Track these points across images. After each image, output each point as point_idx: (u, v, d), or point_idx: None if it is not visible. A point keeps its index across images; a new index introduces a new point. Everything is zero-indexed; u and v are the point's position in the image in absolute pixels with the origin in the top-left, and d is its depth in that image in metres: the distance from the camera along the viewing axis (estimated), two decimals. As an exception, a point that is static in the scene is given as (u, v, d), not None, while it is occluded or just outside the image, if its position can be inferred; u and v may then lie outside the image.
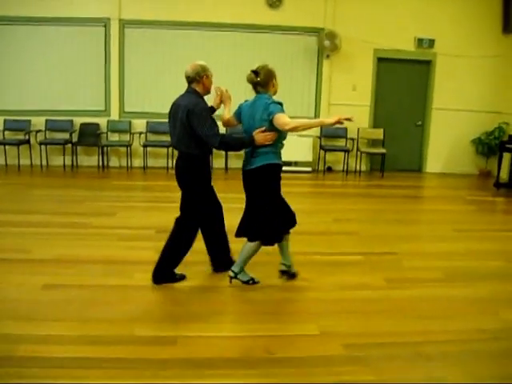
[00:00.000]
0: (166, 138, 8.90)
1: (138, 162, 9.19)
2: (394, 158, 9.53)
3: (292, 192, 7.79)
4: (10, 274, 4.28)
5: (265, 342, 3.27)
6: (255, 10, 8.95)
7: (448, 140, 9.68)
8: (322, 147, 9.24)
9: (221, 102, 4.24)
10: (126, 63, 9.07)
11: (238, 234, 4.04)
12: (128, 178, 8.59)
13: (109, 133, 9.21)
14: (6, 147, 8.95)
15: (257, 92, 3.93)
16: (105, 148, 9.13)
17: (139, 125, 9.15)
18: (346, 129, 9.24)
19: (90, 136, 9.06)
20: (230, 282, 4.08)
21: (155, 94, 9.06)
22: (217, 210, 4.24)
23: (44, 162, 9.05)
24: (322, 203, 7.27)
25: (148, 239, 5.19)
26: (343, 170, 9.37)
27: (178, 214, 4.13)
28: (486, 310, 3.83)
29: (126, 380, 2.82)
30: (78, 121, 9.08)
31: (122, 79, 9.11)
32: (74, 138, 9.06)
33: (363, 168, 9.58)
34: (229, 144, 3.99)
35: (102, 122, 9.17)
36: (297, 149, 9.06)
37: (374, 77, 9.37)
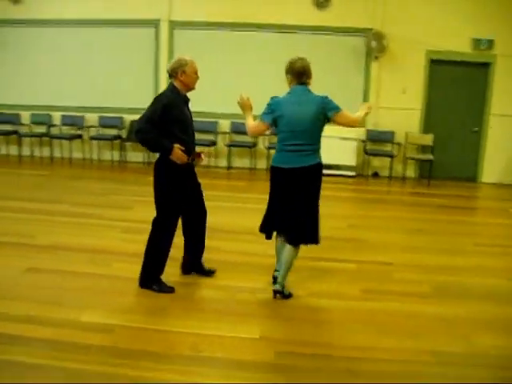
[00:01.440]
0: (206, 137, 9.03)
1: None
2: (445, 165, 9.03)
3: (325, 195, 7.67)
4: (2, 257, 4.58)
5: (197, 340, 3.25)
6: (302, 10, 8.85)
7: (508, 148, 8.98)
8: (366, 151, 8.94)
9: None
10: (175, 63, 9.31)
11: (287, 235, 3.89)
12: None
13: (157, 130, 9.49)
14: (62, 141, 9.54)
15: (301, 83, 3.78)
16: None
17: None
18: (392, 133, 8.90)
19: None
20: (275, 296, 3.86)
21: (201, 93, 9.16)
22: (196, 214, 4.12)
23: (95, 157, 9.53)
24: (348, 208, 7.06)
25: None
26: (389, 176, 9.01)
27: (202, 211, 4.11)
28: (457, 332, 3.52)
29: (45, 360, 2.93)
30: (129, 118, 9.45)
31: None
32: (124, 135, 9.46)
33: (411, 175, 9.16)
34: (147, 138, 3.76)
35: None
36: (340, 152, 8.84)
37: (426, 79, 8.91)
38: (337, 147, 8.82)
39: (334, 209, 6.86)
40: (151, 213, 6.27)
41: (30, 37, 9.56)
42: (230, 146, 9.18)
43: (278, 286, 3.85)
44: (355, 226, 6.05)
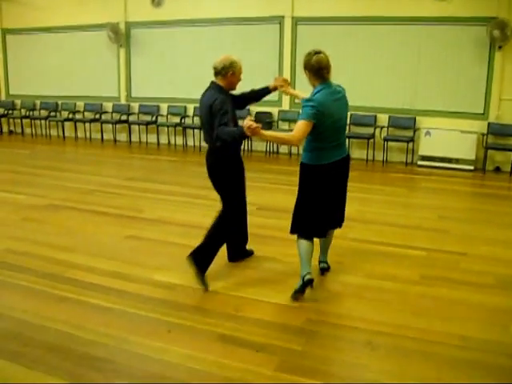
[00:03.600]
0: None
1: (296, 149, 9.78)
2: None
3: (434, 187, 7.62)
4: (110, 225, 5.49)
5: (240, 302, 3.70)
6: (422, 1, 8.70)
7: None
8: (487, 145, 8.56)
9: (276, 88, 4.33)
10: (297, 57, 9.74)
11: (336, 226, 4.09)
12: (287, 163, 9.30)
13: (280, 122, 10.04)
14: (195, 130, 10.53)
15: (326, 79, 3.68)
16: (273, 135, 9.97)
17: (306, 115, 9.76)
18: (517, 126, 8.43)
19: (263, 124, 9.95)
20: (323, 274, 4.19)
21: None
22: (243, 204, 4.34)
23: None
24: (448, 200, 6.90)
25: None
26: (511, 172, 8.53)
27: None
28: (498, 321, 3.51)
29: (114, 305, 3.65)
30: (254, 109, 10.09)
31: (294, 72, 9.80)
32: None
33: (538, 170, 8.58)
34: (224, 139, 3.82)
35: (274, 111, 10.06)
36: (459, 145, 8.62)
37: (557, 69, 8.28)
38: (456, 140, 8.67)
39: (431, 200, 6.84)
40: (258, 197, 6.71)
41: (167, 36, 10.75)
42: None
43: (325, 265, 4.18)
44: (447, 217, 5.97)
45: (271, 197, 4.39)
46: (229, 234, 4.21)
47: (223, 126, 3.75)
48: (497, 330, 3.39)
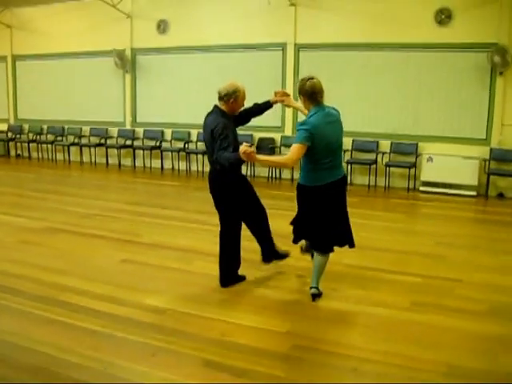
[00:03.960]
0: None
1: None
2: None
3: (435, 213, 7.61)
4: (107, 249, 5.54)
5: (228, 327, 3.70)
6: (423, 28, 8.80)
7: None
8: (489, 171, 8.54)
9: (277, 102, 4.64)
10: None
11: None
12: (289, 189, 9.30)
13: (282, 147, 10.10)
14: (198, 155, 10.62)
15: (319, 102, 3.92)
16: (276, 160, 10.03)
17: (308, 140, 9.82)
18: (518, 152, 8.42)
19: (265, 149, 10.07)
20: (314, 300, 4.14)
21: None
22: (259, 213, 4.52)
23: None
24: (445, 226, 6.87)
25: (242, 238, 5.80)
26: (514, 198, 8.51)
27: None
28: (488, 350, 3.45)
29: (103, 329, 3.65)
30: (257, 135, 10.20)
31: (296, 98, 9.89)
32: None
33: (542, 196, 8.54)
34: (222, 164, 4.05)
35: (277, 137, 10.14)
36: (461, 171, 8.61)
37: (559, 95, 8.29)
38: (458, 166, 8.67)
39: (431, 227, 6.82)
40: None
41: (172, 62, 10.97)
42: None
43: (316, 291, 4.14)
44: (445, 243, 5.93)
45: (272, 222, 4.47)
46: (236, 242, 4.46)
47: (222, 150, 3.96)
48: (486, 358, 3.34)
